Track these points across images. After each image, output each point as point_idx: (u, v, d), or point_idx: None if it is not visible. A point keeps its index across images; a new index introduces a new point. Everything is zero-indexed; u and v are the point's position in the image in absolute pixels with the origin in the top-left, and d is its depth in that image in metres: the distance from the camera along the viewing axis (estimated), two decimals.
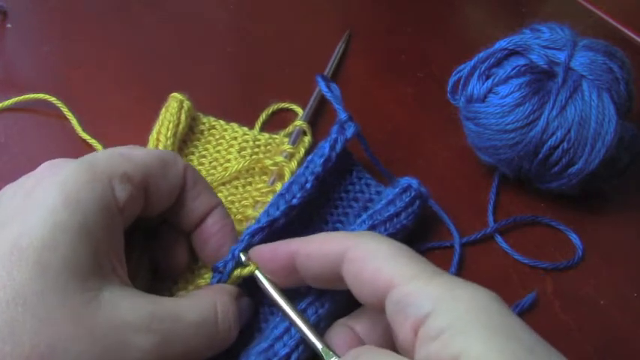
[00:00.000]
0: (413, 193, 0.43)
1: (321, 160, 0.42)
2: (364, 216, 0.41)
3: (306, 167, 0.42)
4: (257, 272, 0.36)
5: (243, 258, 0.37)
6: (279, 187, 0.43)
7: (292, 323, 0.35)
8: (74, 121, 0.50)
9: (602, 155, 0.45)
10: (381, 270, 0.30)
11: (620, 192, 0.52)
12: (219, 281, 0.37)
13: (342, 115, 0.45)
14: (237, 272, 0.36)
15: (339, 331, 0.35)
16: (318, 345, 0.34)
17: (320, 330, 0.35)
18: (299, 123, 0.49)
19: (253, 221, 0.41)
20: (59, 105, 0.50)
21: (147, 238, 0.39)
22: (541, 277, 0.46)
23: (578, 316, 0.44)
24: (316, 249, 0.34)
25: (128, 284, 0.31)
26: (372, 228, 0.40)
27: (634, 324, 0.44)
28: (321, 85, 0.47)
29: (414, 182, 0.43)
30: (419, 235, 0.45)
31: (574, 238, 0.48)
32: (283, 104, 0.54)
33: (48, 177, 0.30)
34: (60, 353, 0.26)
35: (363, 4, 0.70)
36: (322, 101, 0.54)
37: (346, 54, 0.61)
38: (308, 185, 0.40)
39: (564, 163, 0.45)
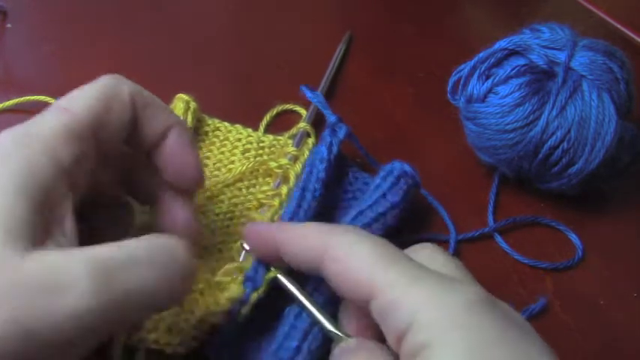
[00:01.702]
0: (396, 173, 0.43)
1: (323, 166, 0.42)
2: (352, 204, 0.42)
3: (310, 173, 0.42)
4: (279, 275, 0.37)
5: (247, 247, 0.38)
6: (284, 190, 0.43)
7: (304, 308, 0.35)
8: None
9: (602, 155, 0.45)
10: (362, 274, 0.30)
11: (620, 192, 0.52)
12: (253, 289, 0.36)
13: (332, 118, 0.45)
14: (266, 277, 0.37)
15: (349, 308, 0.35)
16: (328, 326, 0.34)
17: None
18: (302, 125, 0.49)
19: None
20: None
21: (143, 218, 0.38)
22: (541, 277, 0.46)
23: (578, 316, 0.44)
24: (297, 245, 0.33)
25: (75, 244, 0.29)
26: (360, 214, 0.41)
27: (634, 324, 0.44)
28: (307, 93, 0.48)
29: (397, 163, 0.44)
30: (416, 229, 0.46)
31: (574, 238, 0.48)
32: (287, 106, 0.54)
33: None
34: None
35: (364, 5, 0.70)
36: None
37: (347, 55, 0.61)
38: (317, 194, 0.41)
39: (564, 163, 0.46)
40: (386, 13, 0.69)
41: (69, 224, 0.30)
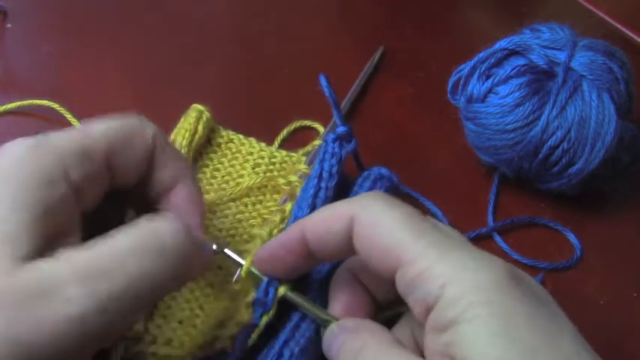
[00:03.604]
0: (373, 177, 0.43)
1: (333, 183, 0.41)
2: None
3: (319, 188, 0.41)
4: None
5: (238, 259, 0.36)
6: (288, 206, 0.41)
7: (298, 305, 0.35)
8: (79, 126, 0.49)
9: (602, 155, 0.45)
10: (391, 242, 0.29)
11: (620, 192, 0.52)
12: (263, 312, 0.35)
13: (342, 129, 0.43)
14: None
15: (342, 287, 0.35)
16: (324, 316, 0.33)
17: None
18: (317, 143, 0.47)
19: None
20: (62, 111, 0.50)
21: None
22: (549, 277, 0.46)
23: (578, 316, 0.43)
24: (325, 229, 0.32)
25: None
26: None
27: (634, 324, 0.44)
28: (325, 90, 0.44)
29: (375, 168, 0.44)
30: None
31: (572, 237, 0.48)
32: (306, 122, 0.53)
33: None
34: None
35: (364, 6, 0.70)
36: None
37: (349, 56, 0.60)
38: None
39: (564, 163, 0.46)
40: (386, 13, 0.69)
41: (75, 237, 0.30)
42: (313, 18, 0.68)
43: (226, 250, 0.36)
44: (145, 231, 0.29)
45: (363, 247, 0.31)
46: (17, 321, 0.25)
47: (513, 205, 0.50)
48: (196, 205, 0.35)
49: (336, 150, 0.43)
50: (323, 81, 0.42)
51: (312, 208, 0.40)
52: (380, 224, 0.30)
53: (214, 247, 0.36)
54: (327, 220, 0.32)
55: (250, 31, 0.64)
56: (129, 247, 0.28)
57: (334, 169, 0.42)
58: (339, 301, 0.34)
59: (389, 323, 0.34)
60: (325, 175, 0.41)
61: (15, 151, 0.29)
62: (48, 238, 0.28)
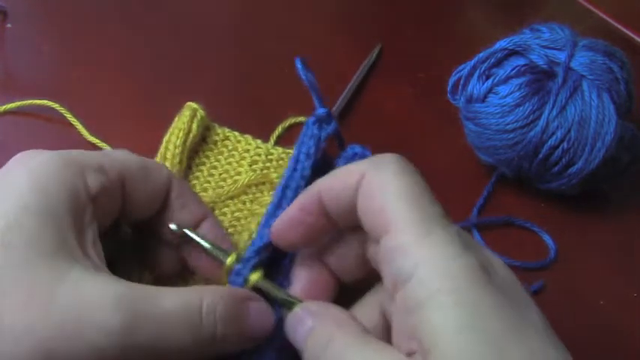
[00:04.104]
0: (349, 156, 0.42)
1: (310, 162, 0.40)
2: None
3: (294, 170, 0.40)
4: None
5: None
6: None
7: (266, 291, 0.34)
8: (80, 127, 0.49)
9: (602, 155, 0.45)
10: (386, 205, 0.29)
11: (620, 192, 0.52)
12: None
13: (321, 111, 0.42)
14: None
15: (304, 266, 0.35)
16: (282, 296, 0.33)
17: None
18: None
19: (254, 234, 0.39)
20: (62, 111, 0.50)
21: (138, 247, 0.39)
22: (538, 277, 0.46)
23: (578, 316, 0.44)
24: (340, 186, 0.32)
25: (105, 271, 0.30)
26: None
27: (634, 324, 0.44)
28: (300, 72, 0.42)
29: (348, 148, 0.42)
30: None
31: (547, 239, 0.48)
32: (300, 118, 0.53)
33: (18, 165, 0.31)
34: (6, 327, 0.26)
35: (364, 6, 0.70)
36: (338, 117, 0.53)
37: (350, 56, 0.61)
38: (300, 192, 0.39)
39: (564, 163, 0.46)
40: (386, 14, 0.69)
41: (98, 247, 0.31)
42: (312, 17, 0.68)
43: (186, 230, 0.36)
44: (193, 303, 0.30)
45: (361, 206, 0.30)
46: (57, 344, 0.26)
47: (513, 205, 0.50)
48: (224, 242, 0.37)
49: (315, 132, 0.42)
50: (298, 64, 0.41)
51: (285, 187, 0.39)
52: (382, 187, 0.29)
53: (173, 226, 0.36)
54: (342, 178, 0.32)
55: (246, 29, 0.64)
56: (176, 310, 0.29)
57: (311, 150, 0.41)
58: (300, 280, 0.34)
59: (356, 291, 0.33)
60: (302, 156, 0.41)
61: (38, 163, 0.31)
62: (77, 246, 0.29)
